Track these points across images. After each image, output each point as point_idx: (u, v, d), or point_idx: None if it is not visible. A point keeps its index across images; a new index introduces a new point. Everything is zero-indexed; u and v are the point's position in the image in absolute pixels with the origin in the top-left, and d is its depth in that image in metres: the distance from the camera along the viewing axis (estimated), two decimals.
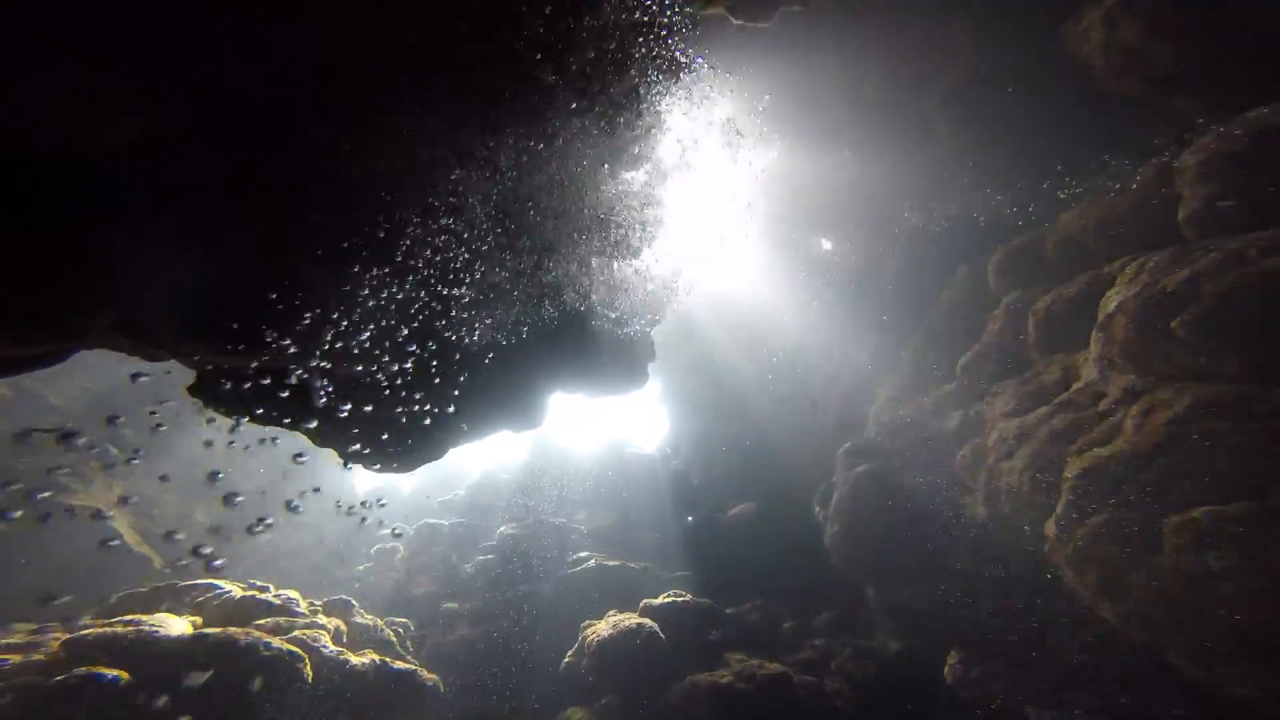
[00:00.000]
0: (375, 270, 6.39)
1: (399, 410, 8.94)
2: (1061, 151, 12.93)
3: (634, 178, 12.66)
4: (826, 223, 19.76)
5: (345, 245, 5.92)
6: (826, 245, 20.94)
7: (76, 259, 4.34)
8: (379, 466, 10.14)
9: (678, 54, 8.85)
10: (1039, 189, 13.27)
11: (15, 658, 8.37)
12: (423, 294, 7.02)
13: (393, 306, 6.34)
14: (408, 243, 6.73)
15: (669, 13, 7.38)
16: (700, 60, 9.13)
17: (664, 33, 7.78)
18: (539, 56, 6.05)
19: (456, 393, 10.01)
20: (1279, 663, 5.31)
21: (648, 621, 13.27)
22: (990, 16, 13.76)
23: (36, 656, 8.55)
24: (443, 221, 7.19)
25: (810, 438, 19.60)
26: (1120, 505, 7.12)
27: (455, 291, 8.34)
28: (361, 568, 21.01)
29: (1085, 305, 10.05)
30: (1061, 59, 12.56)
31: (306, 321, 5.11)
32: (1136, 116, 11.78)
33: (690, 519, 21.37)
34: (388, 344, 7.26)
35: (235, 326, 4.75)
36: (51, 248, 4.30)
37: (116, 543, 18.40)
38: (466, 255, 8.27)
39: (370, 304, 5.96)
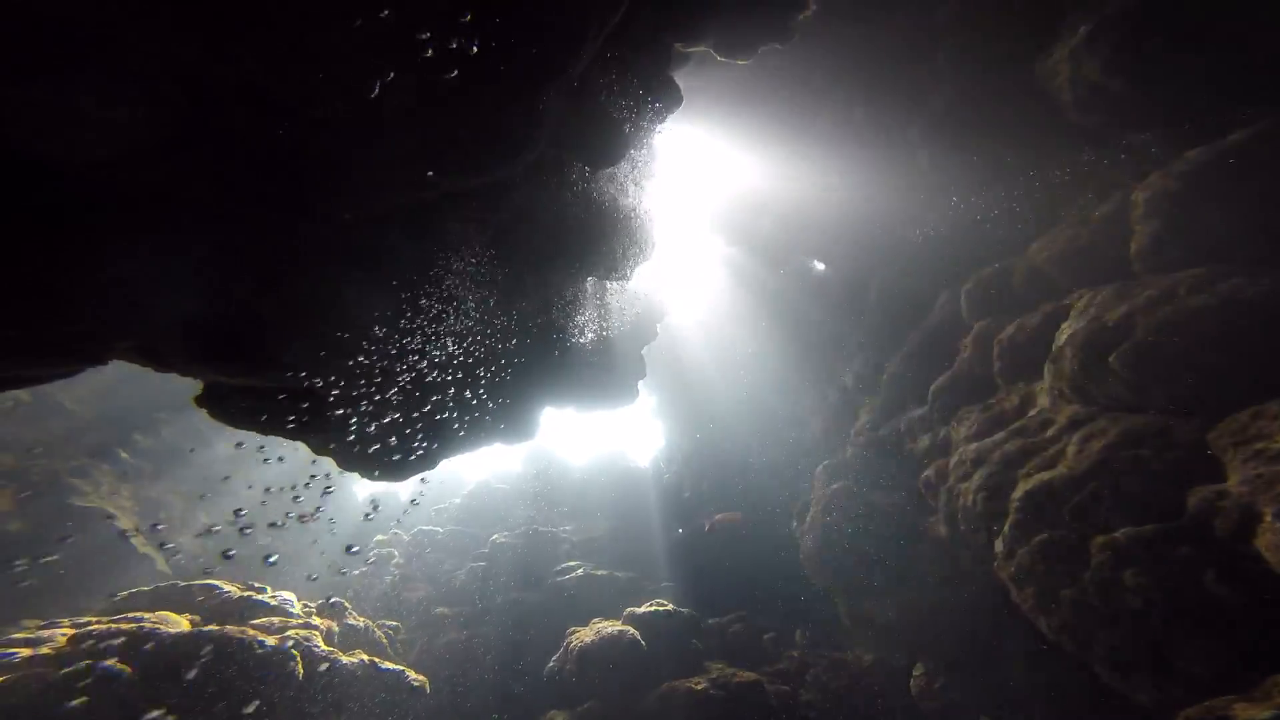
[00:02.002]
0: (374, 295, 7.03)
1: (396, 425, 9.54)
2: (1036, 181, 13.55)
3: (625, 200, 13.35)
4: (815, 245, 20.39)
5: (343, 273, 6.57)
6: (820, 266, 21.52)
7: (100, 293, 4.98)
8: (375, 475, 10.74)
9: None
10: (1013, 218, 13.87)
11: (24, 651, 8.95)
12: (420, 319, 7.65)
13: (389, 329, 6.97)
14: (402, 267, 7.37)
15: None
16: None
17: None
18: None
19: (451, 407, 10.62)
20: (1175, 673, 5.78)
21: (630, 629, 13.74)
22: (969, 49, 14.42)
23: (44, 650, 9.12)
24: (444, 254, 7.83)
25: (798, 455, 20.11)
26: (1056, 526, 7.62)
27: (450, 313, 8.98)
28: (357, 572, 21.54)
29: (1046, 335, 10.59)
30: (1035, 92, 13.17)
31: (307, 347, 5.74)
32: (1102, 150, 12.38)
33: (680, 530, 21.87)
34: (384, 363, 7.88)
35: (238, 352, 5.39)
36: (75, 282, 4.93)
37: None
38: (463, 280, 8.91)
39: (370, 327, 6.59)
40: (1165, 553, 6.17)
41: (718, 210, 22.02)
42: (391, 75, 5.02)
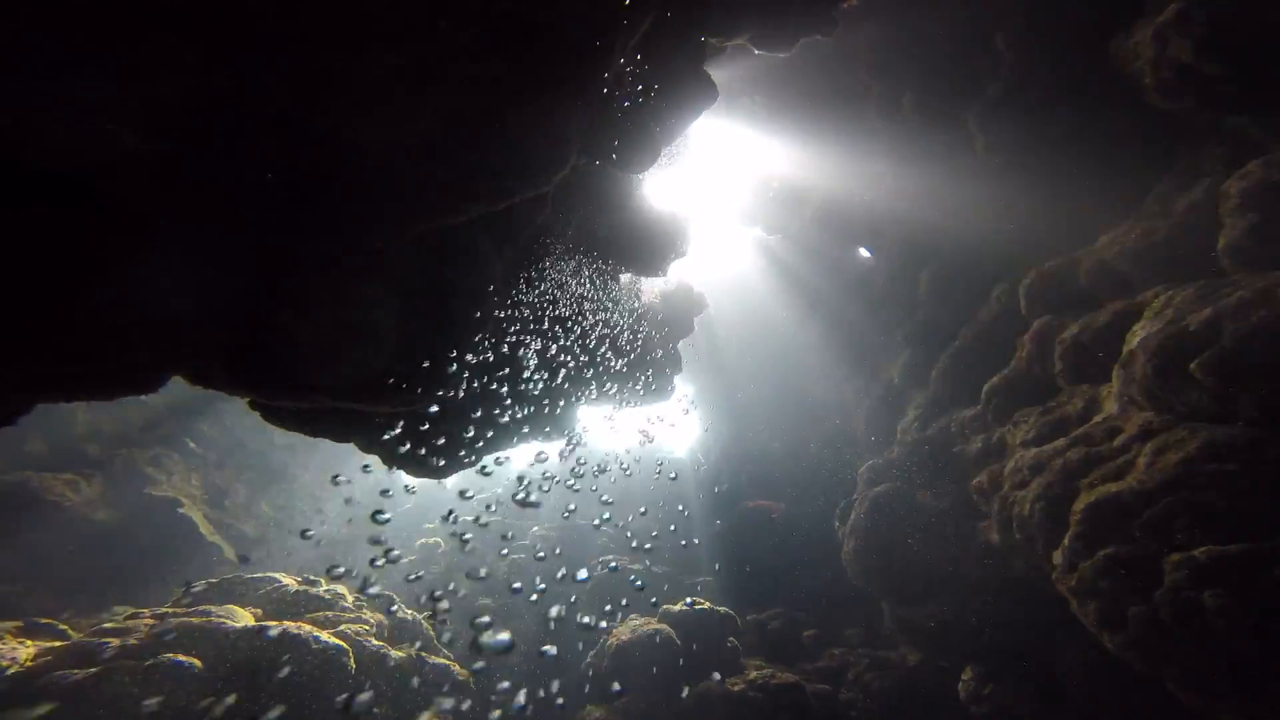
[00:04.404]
0: (407, 317, 7.12)
1: (439, 431, 9.74)
2: (1105, 170, 12.49)
3: (659, 199, 13.09)
4: (861, 234, 19.60)
5: (376, 298, 6.67)
6: (865, 254, 20.74)
7: (155, 325, 5.19)
8: (417, 472, 11.05)
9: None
10: (1079, 209, 12.87)
11: (114, 641, 9.71)
12: (455, 335, 7.74)
13: (423, 348, 7.07)
14: (435, 286, 7.44)
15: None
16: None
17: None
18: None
19: (493, 413, 10.78)
20: (1266, 695, 5.35)
21: (664, 627, 13.79)
22: (1033, 30, 13.35)
23: (130, 641, 9.86)
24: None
25: (840, 447, 19.62)
26: (1125, 541, 7.12)
27: (486, 325, 9.06)
28: (404, 562, 22.43)
29: (1114, 335, 9.78)
30: (1108, 75, 12.08)
31: (342, 372, 5.88)
32: (1188, 137, 11.27)
33: (719, 523, 21.75)
34: (421, 381, 8.02)
35: (275, 379, 5.59)
36: (131, 316, 5.14)
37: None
38: (498, 292, 8.96)
39: (405, 348, 6.70)
40: (1255, 574, 5.67)
41: (756, 199, 21.42)
42: (419, 100, 4.99)
